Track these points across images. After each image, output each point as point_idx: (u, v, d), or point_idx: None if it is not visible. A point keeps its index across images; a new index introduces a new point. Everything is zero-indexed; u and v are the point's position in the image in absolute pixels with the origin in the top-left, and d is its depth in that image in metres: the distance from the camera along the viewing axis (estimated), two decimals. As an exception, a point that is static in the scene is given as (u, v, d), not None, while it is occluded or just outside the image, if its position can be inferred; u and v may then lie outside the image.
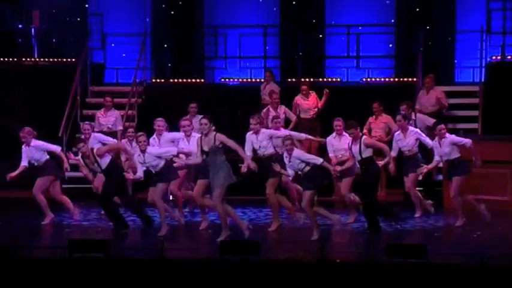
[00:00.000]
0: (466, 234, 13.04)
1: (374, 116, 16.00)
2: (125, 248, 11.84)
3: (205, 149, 12.26)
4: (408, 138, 14.16)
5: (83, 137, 14.19)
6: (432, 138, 13.84)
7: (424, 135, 14.31)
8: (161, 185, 12.86)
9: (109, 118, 15.90)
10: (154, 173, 12.84)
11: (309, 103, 16.54)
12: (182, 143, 13.49)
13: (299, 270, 10.44)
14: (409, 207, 14.55)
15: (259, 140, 13.23)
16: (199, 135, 12.66)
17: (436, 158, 13.62)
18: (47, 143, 13.91)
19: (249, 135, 13.34)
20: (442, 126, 13.60)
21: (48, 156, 13.84)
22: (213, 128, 12.38)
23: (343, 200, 13.99)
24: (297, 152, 12.57)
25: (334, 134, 13.76)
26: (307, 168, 12.44)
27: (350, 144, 13.08)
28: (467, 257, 10.91)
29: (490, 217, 13.45)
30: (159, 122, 14.05)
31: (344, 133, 13.50)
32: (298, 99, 16.60)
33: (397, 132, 14.34)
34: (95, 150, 13.06)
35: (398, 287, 10.17)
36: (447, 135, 13.54)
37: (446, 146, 13.46)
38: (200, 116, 15.49)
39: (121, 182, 13.12)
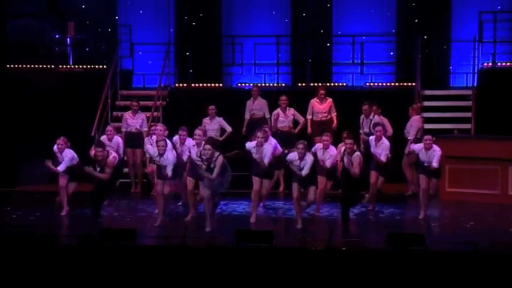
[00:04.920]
0: (460, 224, 12.97)
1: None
2: (151, 236, 11.84)
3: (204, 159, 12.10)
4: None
5: (106, 137, 14.56)
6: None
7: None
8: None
9: (137, 120, 16.00)
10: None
11: (321, 108, 16.14)
12: (193, 150, 12.95)
13: (308, 257, 10.43)
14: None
15: (262, 152, 12.87)
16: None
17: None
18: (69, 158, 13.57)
19: (250, 145, 13.04)
20: (429, 137, 13.30)
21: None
22: (217, 153, 12.08)
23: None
24: (309, 157, 12.40)
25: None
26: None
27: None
28: (461, 245, 10.85)
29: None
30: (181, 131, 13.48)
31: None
32: (314, 102, 16.11)
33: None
34: (108, 159, 12.98)
35: (398, 272, 10.15)
36: (434, 146, 13.20)
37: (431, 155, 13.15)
38: (218, 118, 15.64)
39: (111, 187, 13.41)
